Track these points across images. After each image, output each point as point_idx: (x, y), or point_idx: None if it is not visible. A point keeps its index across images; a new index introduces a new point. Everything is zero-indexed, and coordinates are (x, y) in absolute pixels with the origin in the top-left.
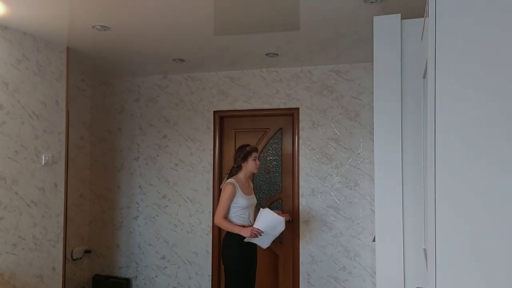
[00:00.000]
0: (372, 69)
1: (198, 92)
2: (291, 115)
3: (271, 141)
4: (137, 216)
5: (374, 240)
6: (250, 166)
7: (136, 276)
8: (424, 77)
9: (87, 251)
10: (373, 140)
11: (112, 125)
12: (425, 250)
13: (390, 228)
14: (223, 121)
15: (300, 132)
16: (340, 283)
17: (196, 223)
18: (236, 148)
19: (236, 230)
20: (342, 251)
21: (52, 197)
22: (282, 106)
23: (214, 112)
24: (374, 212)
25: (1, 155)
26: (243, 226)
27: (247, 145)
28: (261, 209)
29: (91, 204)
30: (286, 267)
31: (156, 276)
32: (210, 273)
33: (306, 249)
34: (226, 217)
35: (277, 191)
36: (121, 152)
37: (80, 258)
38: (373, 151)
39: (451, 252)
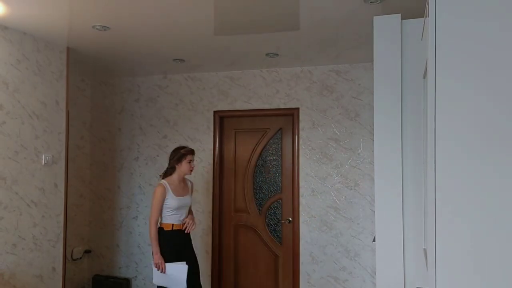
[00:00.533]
0: (372, 69)
1: (198, 92)
2: (291, 115)
3: (271, 141)
4: (137, 216)
5: (374, 240)
6: (183, 168)
7: (136, 276)
8: (424, 77)
9: (87, 251)
10: (373, 140)
11: (112, 125)
12: (425, 250)
13: (390, 228)
14: (223, 121)
15: (300, 132)
16: (340, 283)
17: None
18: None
19: (154, 249)
20: (342, 251)
21: (52, 197)
22: (282, 106)
23: (214, 112)
24: (374, 212)
25: (1, 155)
26: (180, 225)
27: (183, 147)
28: (185, 263)
29: (91, 204)
30: (286, 267)
31: None
32: (210, 273)
33: (306, 249)
34: (158, 221)
35: (277, 191)
36: (121, 152)
37: (80, 258)
38: (373, 151)
39: (451, 252)
